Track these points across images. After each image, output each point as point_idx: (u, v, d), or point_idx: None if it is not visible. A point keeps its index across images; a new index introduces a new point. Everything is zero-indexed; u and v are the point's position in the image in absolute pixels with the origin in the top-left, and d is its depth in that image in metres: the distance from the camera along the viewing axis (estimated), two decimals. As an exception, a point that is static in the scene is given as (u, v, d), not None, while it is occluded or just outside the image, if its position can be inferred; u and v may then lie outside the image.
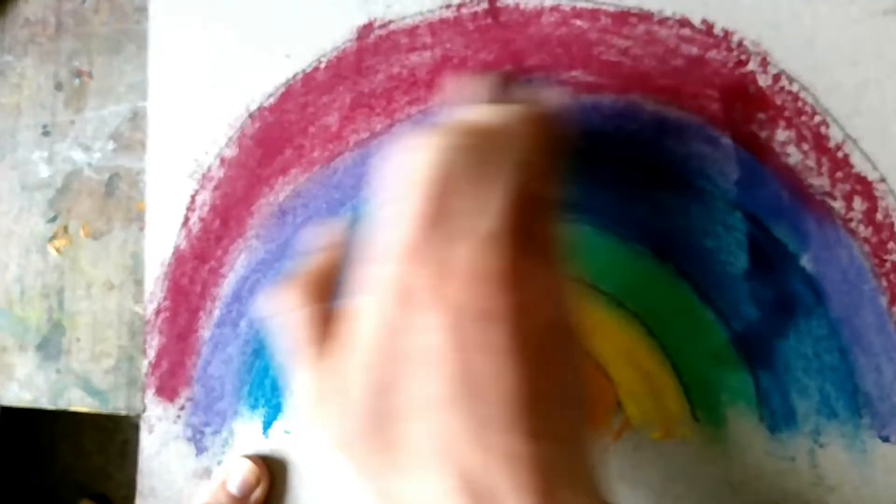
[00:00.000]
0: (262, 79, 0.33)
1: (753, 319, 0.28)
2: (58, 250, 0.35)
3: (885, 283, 0.27)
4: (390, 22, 0.32)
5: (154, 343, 0.33)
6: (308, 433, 0.26)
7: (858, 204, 0.28)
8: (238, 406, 0.32)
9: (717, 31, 0.29)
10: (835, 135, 0.28)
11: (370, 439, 0.23)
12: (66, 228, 0.35)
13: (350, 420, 0.23)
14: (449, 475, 0.21)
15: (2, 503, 0.95)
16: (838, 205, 0.28)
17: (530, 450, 0.21)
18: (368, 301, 0.23)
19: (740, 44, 0.29)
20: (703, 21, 0.29)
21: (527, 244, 0.23)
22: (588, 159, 0.30)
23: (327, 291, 0.26)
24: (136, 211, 0.34)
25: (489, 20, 0.31)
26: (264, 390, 0.32)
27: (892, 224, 0.27)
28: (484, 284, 0.22)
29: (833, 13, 0.28)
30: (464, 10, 0.31)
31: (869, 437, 0.27)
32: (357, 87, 0.32)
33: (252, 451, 0.32)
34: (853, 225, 0.28)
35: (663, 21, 0.29)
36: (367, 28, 0.32)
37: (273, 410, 0.32)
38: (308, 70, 0.32)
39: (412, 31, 0.31)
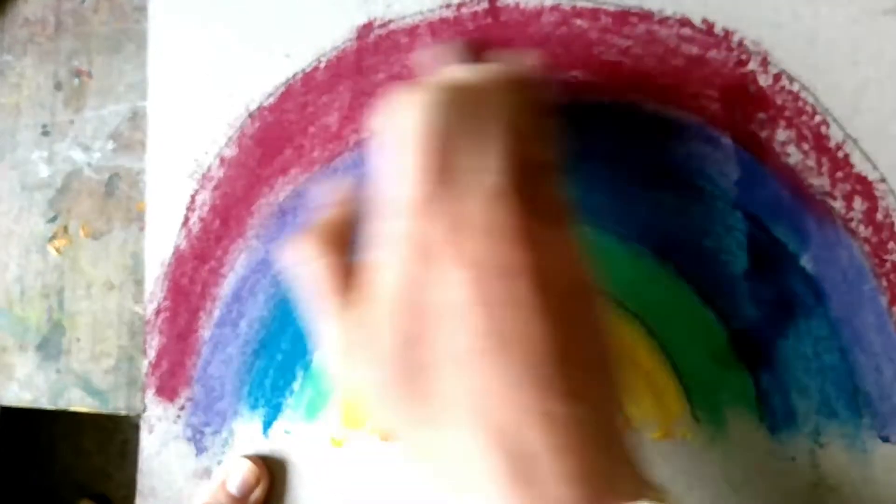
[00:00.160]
0: (262, 78, 0.33)
1: (753, 319, 0.28)
2: (58, 250, 0.35)
3: (885, 283, 0.27)
4: (390, 21, 0.32)
5: (154, 343, 0.33)
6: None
7: (858, 204, 0.28)
8: (238, 406, 0.32)
9: (717, 30, 0.29)
10: (835, 135, 0.28)
11: (402, 389, 0.22)
12: (66, 228, 0.35)
13: (380, 370, 0.23)
14: (484, 432, 0.21)
15: (2, 503, 0.95)
16: (838, 205, 0.28)
17: (565, 410, 0.21)
18: (387, 255, 0.23)
19: (741, 43, 0.29)
20: (704, 21, 0.29)
21: (533, 206, 0.23)
22: (588, 159, 0.30)
23: (344, 244, 0.26)
24: (136, 211, 0.34)
25: (489, 20, 0.31)
26: (264, 390, 0.32)
27: (892, 224, 0.27)
28: (500, 240, 0.22)
29: (833, 13, 0.28)
30: (464, 10, 0.31)
31: (869, 437, 0.27)
32: (357, 87, 0.32)
33: (252, 451, 0.32)
34: (853, 225, 0.28)
35: (664, 21, 0.29)
36: (367, 28, 0.32)
37: (273, 410, 0.32)
38: (308, 70, 0.32)
39: (412, 31, 0.31)
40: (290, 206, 0.32)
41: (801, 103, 0.28)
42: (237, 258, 0.33)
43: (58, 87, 0.36)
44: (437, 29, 0.31)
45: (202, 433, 0.33)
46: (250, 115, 0.33)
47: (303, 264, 0.25)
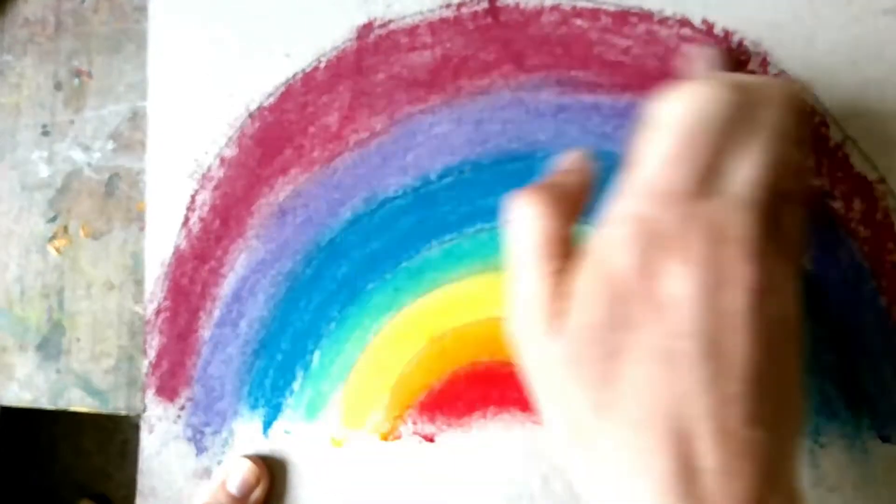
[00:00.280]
0: (262, 78, 0.33)
1: (753, 319, 0.28)
2: (58, 250, 0.35)
3: (884, 283, 0.27)
4: (390, 21, 0.32)
5: (154, 343, 0.33)
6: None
7: (858, 204, 0.28)
8: (238, 406, 0.32)
9: (717, 31, 0.29)
10: (835, 135, 0.28)
11: (590, 368, 0.22)
12: (66, 228, 0.35)
13: (574, 343, 0.22)
14: (661, 431, 0.21)
15: (2, 503, 0.95)
16: (838, 205, 0.28)
17: (750, 433, 0.21)
18: (618, 234, 0.23)
19: (741, 43, 0.29)
20: (704, 21, 0.29)
21: (775, 232, 0.23)
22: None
23: (572, 213, 0.25)
24: (136, 211, 0.34)
25: (489, 20, 0.31)
26: (264, 390, 0.32)
27: (891, 224, 0.27)
28: (737, 251, 0.22)
29: (833, 13, 0.28)
30: (464, 10, 0.31)
31: (869, 437, 0.27)
32: (357, 87, 0.32)
33: (252, 451, 0.32)
34: (853, 225, 0.28)
35: (664, 21, 0.29)
36: (367, 28, 0.32)
37: (273, 410, 0.32)
38: (308, 70, 0.32)
39: (412, 31, 0.31)
40: (290, 206, 0.32)
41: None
42: (237, 258, 0.33)
43: (58, 87, 0.36)
44: (437, 29, 0.31)
45: (202, 433, 0.33)
46: (250, 115, 0.33)
47: (524, 219, 0.24)
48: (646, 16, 0.29)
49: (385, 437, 0.31)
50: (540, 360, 0.24)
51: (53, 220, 0.36)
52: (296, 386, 0.32)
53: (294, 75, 0.32)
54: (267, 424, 0.32)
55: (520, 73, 0.30)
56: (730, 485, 0.20)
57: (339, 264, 0.32)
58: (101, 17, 0.35)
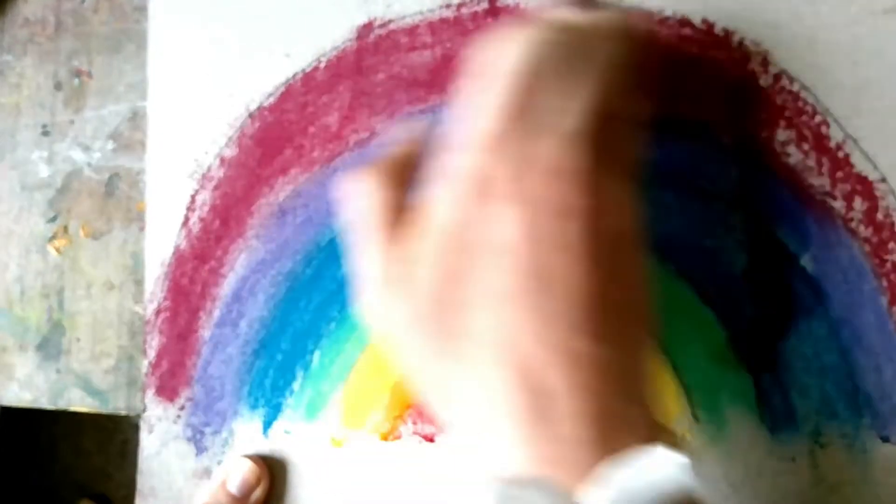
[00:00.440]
0: (262, 78, 0.33)
1: (753, 319, 0.28)
2: (58, 250, 0.35)
3: (885, 283, 0.27)
4: (390, 21, 0.32)
5: (154, 343, 0.33)
6: (373, 318, 0.25)
7: (859, 204, 0.28)
8: (238, 406, 0.32)
9: (717, 30, 0.29)
10: (835, 134, 0.28)
11: (434, 324, 0.23)
12: (66, 228, 0.35)
13: (416, 303, 0.23)
14: (508, 367, 0.21)
15: (2, 503, 0.95)
16: (838, 205, 0.28)
17: (592, 351, 0.21)
18: (445, 189, 0.23)
19: (741, 44, 0.29)
20: (704, 21, 0.29)
21: (605, 154, 0.23)
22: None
23: (404, 180, 0.25)
24: (136, 211, 0.34)
25: (489, 20, 0.31)
26: (264, 390, 0.32)
27: (892, 224, 0.27)
28: (563, 182, 0.22)
29: (833, 13, 0.28)
30: (464, 10, 0.31)
31: (869, 437, 0.27)
32: (357, 87, 0.32)
33: (252, 451, 0.32)
34: (853, 225, 0.28)
35: (663, 21, 0.29)
36: (367, 27, 0.32)
37: (273, 410, 0.32)
38: (308, 70, 0.32)
39: (412, 31, 0.31)
40: (290, 206, 0.32)
41: (801, 103, 0.28)
42: (237, 258, 0.33)
43: (58, 87, 0.36)
44: (437, 29, 0.31)
45: (202, 433, 0.33)
46: (250, 115, 0.33)
47: (358, 197, 0.25)
48: (646, 15, 0.29)
49: (385, 437, 0.31)
50: (392, 326, 0.24)
51: (53, 220, 0.36)
52: (296, 386, 0.32)
53: (294, 75, 0.32)
54: (267, 424, 0.32)
55: None
56: (578, 402, 0.21)
57: (339, 264, 0.32)
58: (101, 17, 0.35)
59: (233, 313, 0.33)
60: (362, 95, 0.32)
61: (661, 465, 0.20)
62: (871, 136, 0.28)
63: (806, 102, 0.28)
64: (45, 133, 0.36)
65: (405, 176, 0.26)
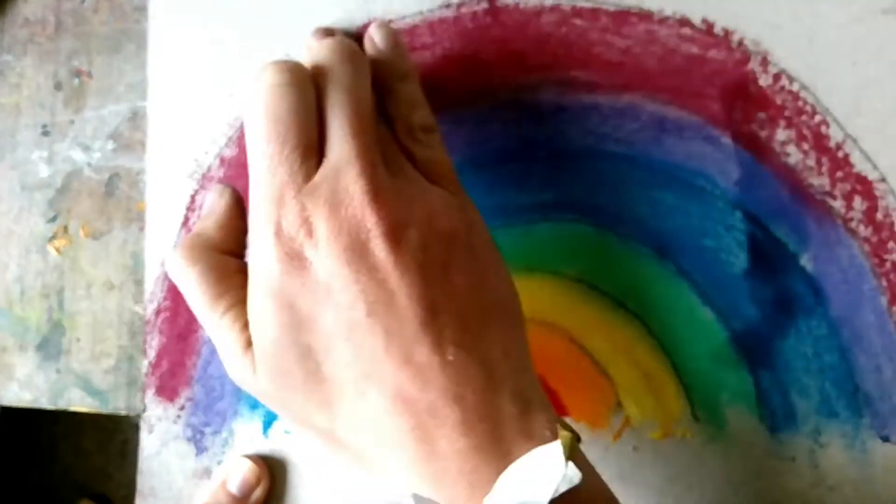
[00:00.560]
0: (262, 79, 0.33)
1: (753, 319, 0.28)
2: (58, 250, 0.35)
3: (884, 283, 0.27)
4: (390, 21, 0.32)
5: (154, 343, 0.33)
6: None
7: (858, 203, 0.28)
8: (238, 406, 0.32)
9: (717, 30, 0.29)
10: (835, 134, 0.28)
11: (294, 378, 0.23)
12: (66, 228, 0.35)
13: (271, 365, 0.23)
14: (379, 396, 0.21)
15: (2, 503, 0.95)
16: (838, 204, 0.28)
17: (438, 360, 0.21)
18: (260, 245, 0.23)
19: (740, 43, 0.29)
20: (704, 20, 0.29)
21: (395, 165, 0.23)
22: (588, 159, 0.30)
23: (225, 246, 0.26)
24: (136, 211, 0.34)
25: (489, 20, 0.31)
26: (264, 390, 0.32)
27: (892, 223, 0.27)
28: (350, 206, 0.22)
29: (833, 13, 0.28)
30: (464, 10, 0.31)
31: (869, 437, 0.27)
32: (357, 87, 0.32)
33: (252, 451, 0.32)
34: (853, 224, 0.28)
35: (663, 20, 0.29)
36: (367, 28, 0.32)
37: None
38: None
39: (412, 31, 0.31)
40: (290, 206, 0.32)
41: (801, 103, 0.28)
42: (237, 258, 0.33)
43: (58, 87, 0.36)
44: (437, 29, 0.31)
45: (202, 433, 0.33)
46: (250, 115, 0.33)
47: (178, 275, 0.25)
48: (646, 16, 0.29)
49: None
50: (259, 393, 0.24)
51: (53, 220, 0.36)
52: (296, 386, 0.32)
53: (294, 75, 0.32)
54: (267, 424, 0.32)
55: (520, 73, 0.30)
56: (450, 414, 0.21)
57: (339, 264, 0.32)
58: (101, 17, 0.35)
59: (233, 313, 0.33)
60: (362, 95, 0.32)
61: (544, 461, 0.20)
62: (871, 136, 0.28)
63: (806, 102, 0.28)
64: (45, 133, 0.36)
65: (224, 241, 0.26)
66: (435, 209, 0.23)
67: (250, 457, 0.32)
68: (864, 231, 0.28)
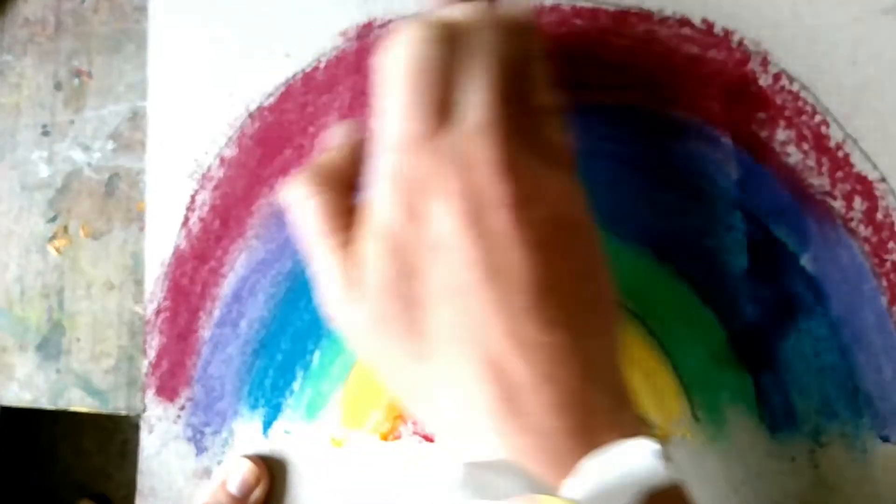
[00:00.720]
0: (262, 78, 0.33)
1: (753, 319, 0.28)
2: (58, 250, 0.35)
3: (885, 283, 0.27)
4: (390, 21, 0.32)
5: (154, 343, 0.33)
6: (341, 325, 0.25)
7: (859, 203, 0.28)
8: (238, 406, 0.32)
9: (717, 30, 0.29)
10: (835, 134, 0.28)
11: (395, 323, 0.23)
12: (66, 228, 0.35)
13: (374, 305, 0.23)
14: (475, 360, 0.22)
15: (2, 503, 0.95)
16: (838, 204, 0.28)
17: (547, 339, 0.21)
18: (380, 192, 0.23)
19: (740, 43, 0.29)
20: (704, 20, 0.29)
21: (526, 144, 0.23)
22: (588, 159, 0.30)
23: (344, 182, 0.26)
24: (136, 211, 0.34)
25: (489, 20, 0.30)
26: (264, 390, 0.32)
27: (892, 223, 0.27)
28: (485, 172, 0.22)
29: (833, 13, 0.28)
30: (464, 10, 0.31)
31: (869, 437, 0.27)
32: (357, 87, 0.32)
33: (252, 451, 0.32)
34: (853, 224, 0.28)
35: (663, 21, 0.29)
36: (367, 28, 0.32)
37: (273, 410, 0.32)
38: (308, 69, 0.32)
39: (412, 31, 0.31)
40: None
41: (801, 103, 0.28)
42: (237, 258, 0.33)
43: (58, 87, 0.36)
44: (437, 29, 0.31)
45: (202, 433, 0.33)
46: (250, 115, 0.33)
47: (299, 202, 0.25)
48: (646, 16, 0.29)
49: (385, 437, 0.31)
50: (354, 331, 0.25)
51: (53, 220, 0.36)
52: (296, 386, 0.32)
53: (294, 75, 0.32)
54: (267, 424, 0.32)
55: None
56: (546, 394, 0.21)
57: (339, 264, 0.32)
58: (101, 17, 0.35)
59: (233, 313, 0.33)
60: (362, 95, 0.32)
61: (634, 454, 0.20)
62: (871, 136, 0.28)
63: (806, 102, 0.28)
64: (45, 133, 0.36)
65: (344, 178, 0.26)
66: (559, 191, 0.23)
67: (250, 457, 0.32)
68: (864, 231, 0.28)
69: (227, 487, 0.31)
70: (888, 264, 0.27)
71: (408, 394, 0.24)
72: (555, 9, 0.30)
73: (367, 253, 0.23)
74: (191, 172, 0.33)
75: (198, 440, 0.33)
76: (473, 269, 0.22)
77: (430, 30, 0.24)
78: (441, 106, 0.23)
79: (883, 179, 0.28)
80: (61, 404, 0.35)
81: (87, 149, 0.35)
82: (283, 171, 0.32)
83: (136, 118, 0.35)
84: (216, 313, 0.33)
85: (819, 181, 0.28)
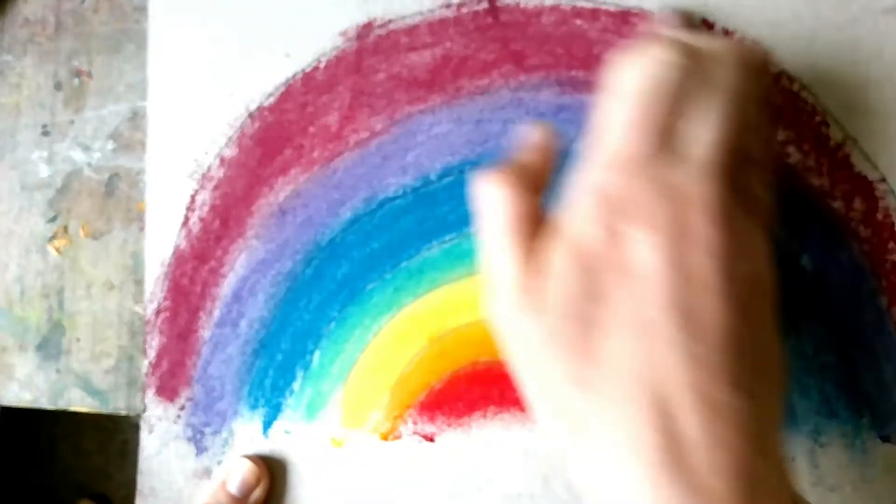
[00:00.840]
0: (262, 78, 0.33)
1: (753, 319, 0.28)
2: (58, 250, 0.35)
3: (884, 283, 0.27)
4: (390, 21, 0.32)
5: (154, 343, 0.33)
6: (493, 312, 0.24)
7: (858, 204, 0.28)
8: (238, 406, 0.32)
9: (717, 30, 0.29)
10: (835, 134, 0.28)
11: (568, 343, 0.22)
12: (66, 228, 0.35)
13: (550, 319, 0.22)
14: (646, 403, 0.21)
15: (2, 503, 0.95)
16: (838, 204, 0.28)
17: (732, 402, 0.20)
18: (584, 206, 0.22)
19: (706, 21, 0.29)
20: (704, 21, 0.29)
21: (740, 194, 0.22)
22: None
23: (538, 188, 0.25)
24: (136, 211, 0.34)
25: (489, 20, 0.31)
26: (264, 390, 0.32)
27: (892, 224, 0.27)
28: (701, 214, 0.21)
29: (833, 13, 0.28)
30: (464, 10, 0.31)
31: (869, 437, 0.27)
32: (357, 87, 0.32)
33: (252, 451, 0.32)
34: (853, 225, 0.28)
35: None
36: (367, 28, 0.32)
37: (273, 410, 0.32)
38: (308, 69, 0.32)
39: (412, 31, 0.31)
40: (290, 206, 0.32)
41: (801, 103, 0.28)
42: (237, 258, 0.33)
43: (58, 87, 0.36)
44: (436, 29, 0.31)
45: (202, 433, 0.33)
46: (250, 115, 0.33)
47: (494, 197, 0.24)
48: (646, 16, 0.29)
49: (385, 437, 0.31)
50: (520, 339, 0.23)
51: (53, 220, 0.36)
52: (296, 386, 0.32)
53: (294, 75, 0.32)
54: (267, 424, 0.32)
55: (520, 73, 0.30)
56: (717, 456, 0.20)
57: (339, 264, 0.32)
58: (101, 17, 0.35)
59: (233, 313, 0.33)
60: (362, 95, 0.32)
61: None
62: (871, 136, 0.28)
63: (806, 102, 0.28)
64: (45, 133, 0.36)
65: (538, 181, 0.25)
66: (761, 250, 0.23)
67: (250, 457, 0.32)
68: (864, 231, 0.28)
69: (227, 487, 0.31)
70: (888, 264, 0.27)
71: (553, 416, 0.23)
72: (555, 9, 0.30)
73: (555, 263, 0.22)
74: (191, 172, 0.33)
75: (198, 440, 0.33)
76: (665, 309, 0.21)
77: (673, 53, 0.23)
78: (665, 133, 0.22)
79: (883, 179, 0.28)
80: (61, 404, 0.35)
81: (87, 149, 0.35)
82: (283, 171, 0.32)
83: (136, 118, 0.35)
84: (216, 313, 0.33)
85: (819, 181, 0.28)
